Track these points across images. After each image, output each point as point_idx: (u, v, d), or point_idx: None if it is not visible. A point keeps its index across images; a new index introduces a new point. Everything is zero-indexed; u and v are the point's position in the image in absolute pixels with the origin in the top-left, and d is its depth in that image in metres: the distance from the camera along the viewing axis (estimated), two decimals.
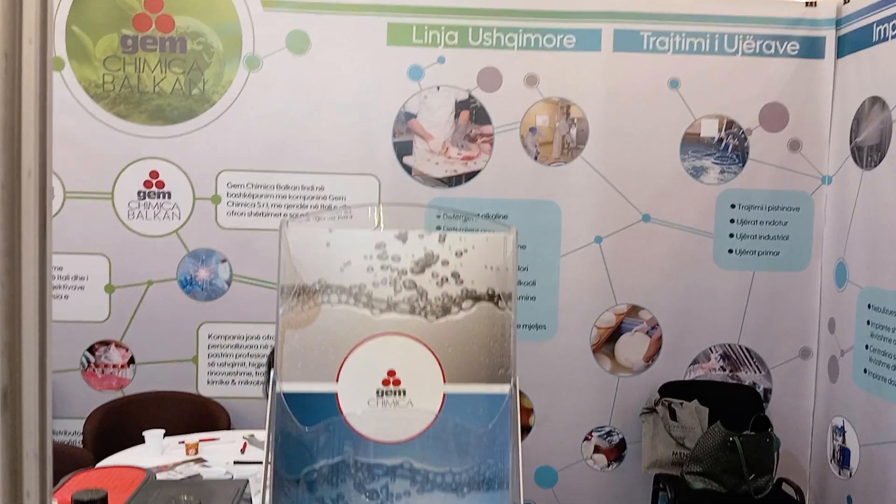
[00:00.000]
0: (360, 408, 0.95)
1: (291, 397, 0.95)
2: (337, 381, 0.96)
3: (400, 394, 0.97)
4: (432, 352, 0.96)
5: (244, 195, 3.23)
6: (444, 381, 0.98)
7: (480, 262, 0.99)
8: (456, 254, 0.98)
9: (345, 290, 0.97)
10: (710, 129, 3.18)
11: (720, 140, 3.19)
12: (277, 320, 0.95)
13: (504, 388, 0.97)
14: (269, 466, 0.93)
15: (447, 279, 0.98)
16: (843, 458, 3.06)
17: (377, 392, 0.97)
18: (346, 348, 0.96)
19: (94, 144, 3.15)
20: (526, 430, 3.26)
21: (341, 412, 0.95)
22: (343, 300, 0.96)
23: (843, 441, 3.05)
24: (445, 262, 0.98)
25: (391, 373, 0.97)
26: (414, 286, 0.97)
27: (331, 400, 0.96)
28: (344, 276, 0.97)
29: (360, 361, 0.96)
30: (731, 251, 3.22)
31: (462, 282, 0.98)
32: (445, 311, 0.97)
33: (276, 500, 0.92)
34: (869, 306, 2.92)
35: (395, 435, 0.96)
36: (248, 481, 1.24)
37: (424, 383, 0.97)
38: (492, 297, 0.98)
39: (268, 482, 0.92)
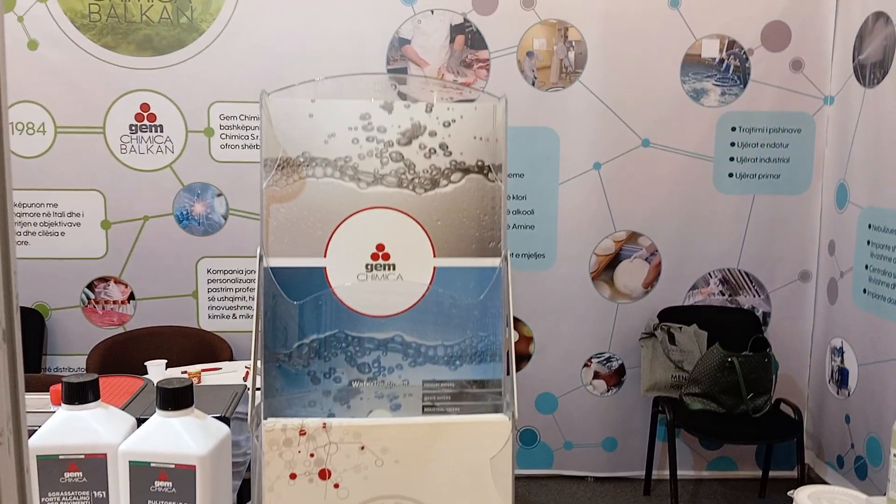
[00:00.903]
0: (349, 282, 0.93)
1: (279, 272, 0.93)
2: (325, 255, 0.95)
3: (389, 268, 0.95)
4: (421, 225, 0.95)
5: (237, 127, 3.18)
6: (434, 256, 0.96)
7: (469, 133, 0.96)
8: (444, 124, 0.96)
9: (330, 163, 0.95)
10: (710, 50, 3.11)
11: (721, 61, 3.12)
12: (261, 194, 0.93)
13: (495, 262, 0.96)
14: (259, 342, 0.92)
15: (435, 151, 0.95)
16: (841, 378, 3.08)
17: (366, 267, 0.95)
18: (332, 223, 0.94)
19: (82, 77, 3.09)
20: (526, 357, 3.28)
21: (330, 286, 0.94)
22: (328, 173, 0.94)
23: (842, 361, 3.07)
24: (433, 133, 0.95)
25: (380, 247, 0.95)
26: (401, 158, 0.95)
27: (319, 274, 0.95)
28: (328, 149, 0.95)
29: (348, 236, 0.94)
30: (731, 175, 3.19)
31: (450, 153, 0.96)
32: (434, 183, 0.95)
33: (267, 373, 0.91)
34: (869, 226, 2.90)
35: (386, 309, 0.95)
36: (245, 386, 1.24)
37: (414, 257, 0.96)
38: (481, 169, 0.96)
39: (258, 356, 0.91)
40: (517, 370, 3.30)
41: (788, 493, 2.66)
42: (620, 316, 3.25)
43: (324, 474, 0.91)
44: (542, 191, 3.20)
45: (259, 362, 0.93)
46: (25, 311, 3.23)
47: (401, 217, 0.97)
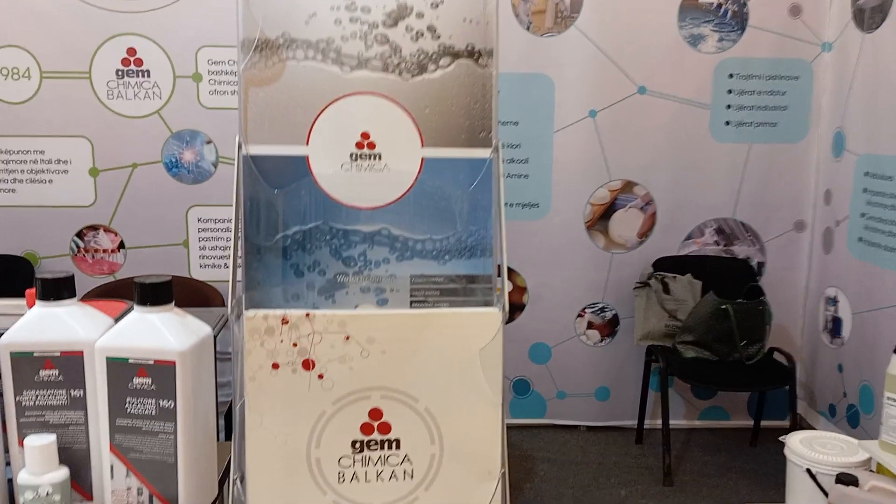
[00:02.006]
0: (332, 172, 0.90)
1: (259, 160, 0.90)
2: (307, 143, 0.91)
3: (375, 157, 0.92)
4: (408, 113, 0.91)
5: (226, 72, 3.12)
6: (422, 145, 0.92)
7: (459, 15, 0.92)
8: (432, 5, 0.91)
9: (311, 45, 0.90)
10: None
11: (719, 6, 3.06)
12: (239, 77, 0.89)
13: (485, 153, 0.92)
14: (239, 234, 0.89)
15: (422, 33, 0.91)
16: (834, 327, 3.07)
17: (350, 156, 0.91)
18: (314, 108, 0.90)
19: (67, 20, 3.02)
20: (520, 308, 3.27)
21: (313, 176, 0.90)
22: (310, 56, 0.90)
23: (836, 311, 3.06)
24: (420, 15, 0.91)
25: (365, 135, 0.91)
26: (386, 41, 0.90)
27: (301, 164, 0.91)
28: (309, 30, 0.90)
29: (331, 123, 0.91)
30: (727, 123, 3.15)
31: (439, 36, 0.91)
32: (421, 68, 0.91)
33: (248, 266, 0.88)
34: (866, 174, 2.87)
35: (372, 200, 0.91)
36: (231, 311, 1.20)
37: (401, 147, 0.92)
38: (471, 54, 0.92)
39: (239, 251, 0.87)
40: (510, 320, 3.29)
41: (780, 438, 2.66)
42: (615, 266, 3.23)
43: (307, 365, 0.89)
44: (536, 139, 3.16)
45: (239, 253, 0.89)
46: (15, 260, 3.19)
47: (386, 104, 0.93)
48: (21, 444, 0.99)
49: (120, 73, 3.09)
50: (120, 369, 0.96)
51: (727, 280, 3.10)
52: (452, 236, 0.94)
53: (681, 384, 3.30)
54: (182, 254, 3.25)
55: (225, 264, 3.28)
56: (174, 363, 0.95)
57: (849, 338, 2.98)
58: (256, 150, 0.92)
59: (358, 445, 0.90)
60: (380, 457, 0.91)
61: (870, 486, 2.48)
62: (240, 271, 0.92)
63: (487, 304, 0.96)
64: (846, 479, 2.40)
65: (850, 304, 2.98)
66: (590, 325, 3.29)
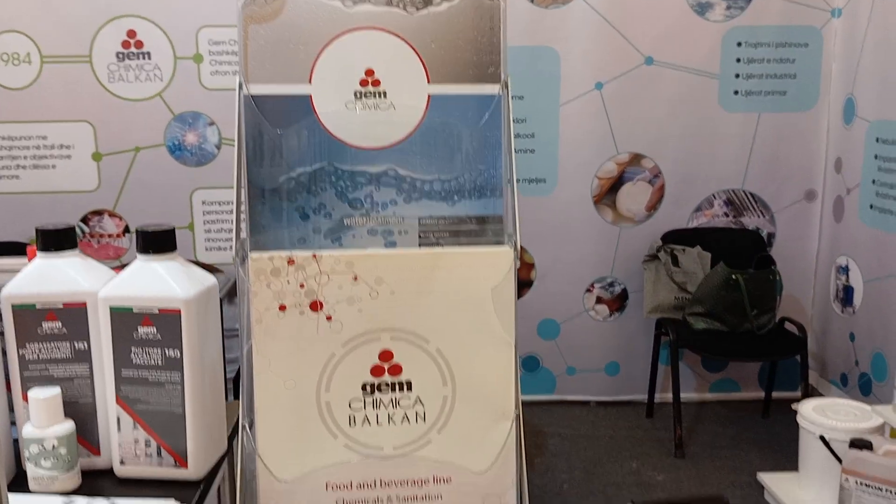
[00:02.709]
0: (336, 110, 0.87)
1: (260, 100, 0.87)
2: (310, 81, 0.88)
3: (380, 95, 0.89)
4: (414, 49, 0.88)
5: (227, 53, 3.09)
6: (429, 82, 0.90)
7: None
8: None
9: None
10: None
11: None
12: (239, 14, 0.86)
13: (494, 88, 0.89)
14: (242, 175, 0.86)
15: None
16: (846, 296, 3.04)
17: (355, 94, 0.89)
18: (317, 45, 0.88)
19: (66, 3, 2.99)
20: (528, 284, 3.24)
21: (316, 115, 0.88)
22: None
23: (847, 279, 3.03)
24: None
25: (369, 72, 0.89)
26: None
27: (304, 102, 0.88)
28: None
29: (334, 60, 0.88)
30: (736, 92, 3.10)
31: None
32: (427, 1, 0.88)
33: (252, 210, 0.86)
34: (877, 140, 2.83)
35: (378, 140, 0.89)
36: (236, 254, 1.18)
37: (407, 83, 0.90)
38: None
39: (242, 195, 0.85)
40: (518, 297, 3.26)
41: (793, 405, 2.63)
42: (623, 240, 3.20)
43: (315, 306, 0.86)
44: (542, 113, 3.12)
45: (242, 195, 0.87)
46: (20, 246, 3.18)
47: (391, 39, 0.90)
48: (25, 398, 0.97)
49: (120, 55, 3.06)
50: (124, 319, 0.94)
51: (737, 251, 3.06)
52: (461, 176, 0.92)
53: (691, 357, 3.27)
54: (187, 237, 3.23)
55: (231, 247, 3.26)
56: (179, 311, 0.93)
57: (860, 306, 2.95)
58: (257, 89, 0.89)
59: (369, 388, 0.88)
60: (391, 399, 0.89)
61: (884, 450, 2.44)
62: (244, 216, 0.89)
63: (499, 244, 0.94)
64: (860, 444, 2.37)
65: (861, 273, 2.94)
66: (598, 300, 3.26)
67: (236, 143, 0.87)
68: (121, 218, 3.19)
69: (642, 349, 3.24)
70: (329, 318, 0.86)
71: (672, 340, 2.93)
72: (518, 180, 3.19)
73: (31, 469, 0.94)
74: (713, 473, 2.76)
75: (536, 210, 3.17)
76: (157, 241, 0.95)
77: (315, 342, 0.86)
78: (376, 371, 0.86)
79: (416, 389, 0.88)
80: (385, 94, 0.90)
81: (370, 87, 0.90)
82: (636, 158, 3.15)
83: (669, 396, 3.07)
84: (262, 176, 0.89)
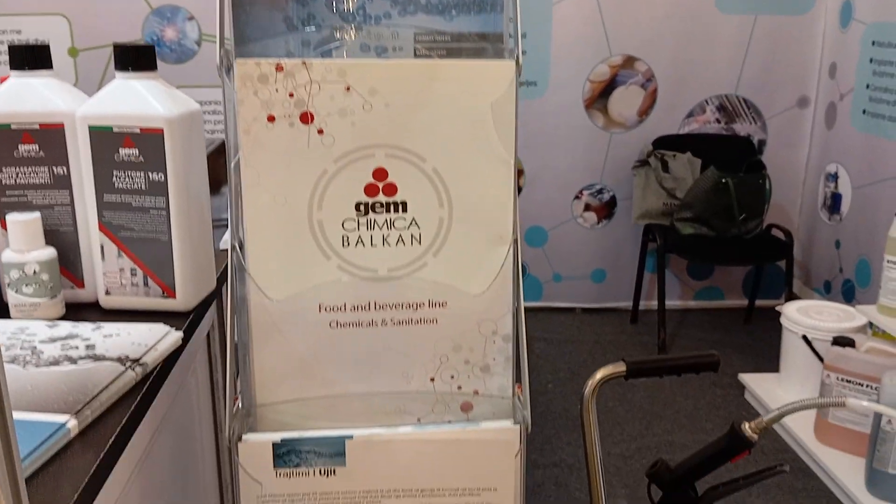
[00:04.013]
0: None
1: None
2: None
3: None
4: None
5: None
6: None
7: None
8: None
9: None
10: None
11: None
12: None
13: None
14: None
15: None
16: (833, 203, 3.04)
17: None
18: None
19: None
20: (516, 190, 3.20)
21: None
22: None
23: (836, 187, 3.02)
24: None
25: None
26: None
27: None
28: None
29: None
30: None
31: None
32: None
33: (236, 20, 0.80)
34: (873, 43, 2.78)
35: None
36: (220, 64, 1.10)
37: None
38: None
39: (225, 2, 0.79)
40: None
41: (776, 307, 2.65)
42: (613, 146, 3.16)
43: (306, 118, 0.82)
44: (534, 13, 3.03)
45: (226, 2, 0.81)
46: None
47: None
48: (4, 225, 0.93)
49: None
50: (104, 139, 0.90)
51: (727, 158, 3.04)
52: None
53: (677, 265, 3.28)
54: None
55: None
56: (161, 131, 0.88)
57: (847, 213, 2.95)
58: None
59: (362, 208, 0.85)
60: (385, 220, 0.86)
61: (866, 347, 2.47)
62: (228, 23, 0.84)
63: None
64: (843, 342, 2.39)
65: (850, 180, 2.94)
66: (587, 208, 3.24)
67: None
68: None
69: (629, 257, 3.24)
70: (321, 132, 0.82)
71: (659, 245, 2.93)
72: None
73: (12, 296, 0.91)
74: (694, 378, 2.80)
75: (526, 114, 3.11)
76: (137, 57, 0.89)
77: (306, 157, 0.82)
78: (370, 190, 0.83)
79: (411, 210, 0.85)
80: None
81: None
82: (629, 61, 3.08)
83: (654, 304, 3.10)
84: None
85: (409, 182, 0.85)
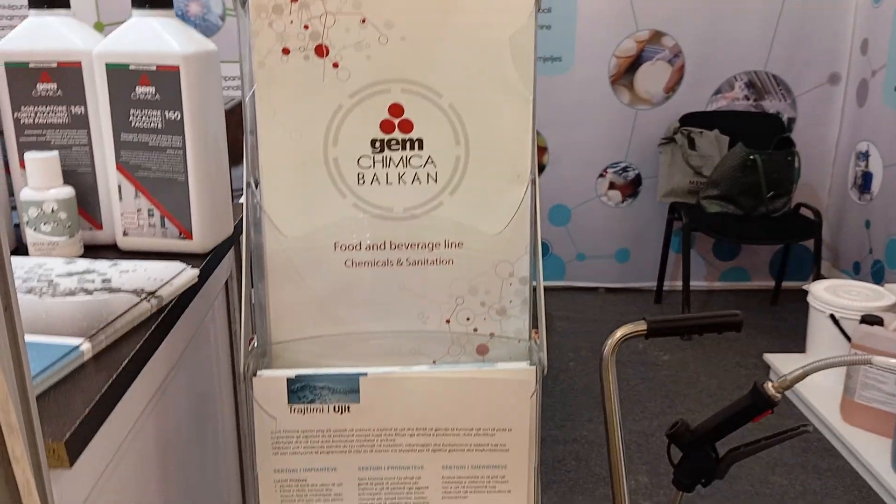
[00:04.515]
0: None
1: None
2: None
3: None
4: None
5: None
6: None
7: None
8: None
9: None
10: None
11: None
12: None
13: None
14: None
15: None
16: (864, 182, 2.97)
17: None
18: None
19: None
20: (540, 168, 3.16)
21: None
22: None
23: (867, 165, 2.95)
24: None
25: None
26: None
27: None
28: None
29: None
30: None
31: None
32: None
33: None
34: None
35: None
36: (237, 23, 1.09)
37: None
38: None
39: None
40: None
41: (804, 286, 2.59)
42: (639, 123, 3.12)
43: (321, 51, 0.81)
44: None
45: None
46: None
47: None
48: (22, 165, 0.94)
49: None
50: (121, 77, 0.89)
51: (756, 135, 2.98)
52: None
53: (702, 245, 3.24)
54: None
55: None
56: (178, 69, 0.88)
57: (878, 192, 2.88)
58: None
59: (378, 145, 0.84)
60: (401, 158, 0.84)
61: (895, 326, 2.40)
62: None
63: None
64: (871, 320, 2.33)
65: (881, 158, 2.86)
66: (611, 186, 3.20)
67: None
68: None
69: (653, 236, 3.20)
70: (336, 66, 0.80)
71: (685, 224, 2.89)
72: None
73: (30, 234, 0.92)
74: (719, 355, 2.77)
75: (551, 90, 3.07)
76: None
77: (321, 91, 0.81)
78: (386, 126, 0.82)
79: (427, 148, 0.84)
80: None
81: None
82: (656, 36, 3.03)
83: (679, 284, 3.05)
84: None
85: (425, 119, 0.84)
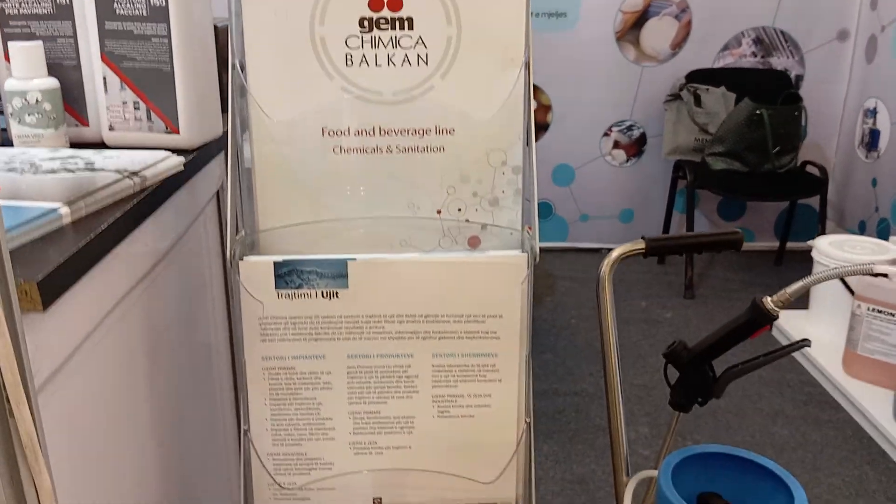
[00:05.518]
0: None
1: None
2: None
3: None
4: None
5: None
6: None
7: None
8: None
9: None
10: None
11: None
12: None
13: None
14: None
15: None
16: (871, 140, 2.93)
17: None
18: None
19: None
20: (544, 127, 3.15)
21: None
22: None
23: (874, 123, 2.91)
24: None
25: None
26: None
27: None
28: None
29: None
30: None
31: None
32: None
33: None
34: None
35: None
36: None
37: None
38: None
39: None
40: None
41: (808, 242, 2.56)
42: (645, 80, 3.08)
43: None
44: None
45: None
46: None
47: None
48: (7, 58, 0.92)
49: None
50: None
51: (763, 92, 2.93)
52: None
53: (706, 205, 3.20)
54: None
55: None
56: None
57: (885, 150, 2.84)
58: None
59: (366, 24, 0.82)
60: (391, 38, 0.82)
61: None
62: None
63: None
64: (875, 274, 2.30)
65: (889, 115, 2.82)
66: (616, 145, 3.17)
67: None
68: None
69: (658, 196, 3.17)
70: None
71: (689, 181, 2.86)
72: (536, 14, 3.05)
73: (14, 126, 0.90)
74: (721, 312, 2.74)
75: (555, 47, 3.03)
76: None
77: None
78: (375, 4, 0.79)
79: (417, 28, 0.82)
80: None
81: None
82: None
83: None
84: None
85: None
